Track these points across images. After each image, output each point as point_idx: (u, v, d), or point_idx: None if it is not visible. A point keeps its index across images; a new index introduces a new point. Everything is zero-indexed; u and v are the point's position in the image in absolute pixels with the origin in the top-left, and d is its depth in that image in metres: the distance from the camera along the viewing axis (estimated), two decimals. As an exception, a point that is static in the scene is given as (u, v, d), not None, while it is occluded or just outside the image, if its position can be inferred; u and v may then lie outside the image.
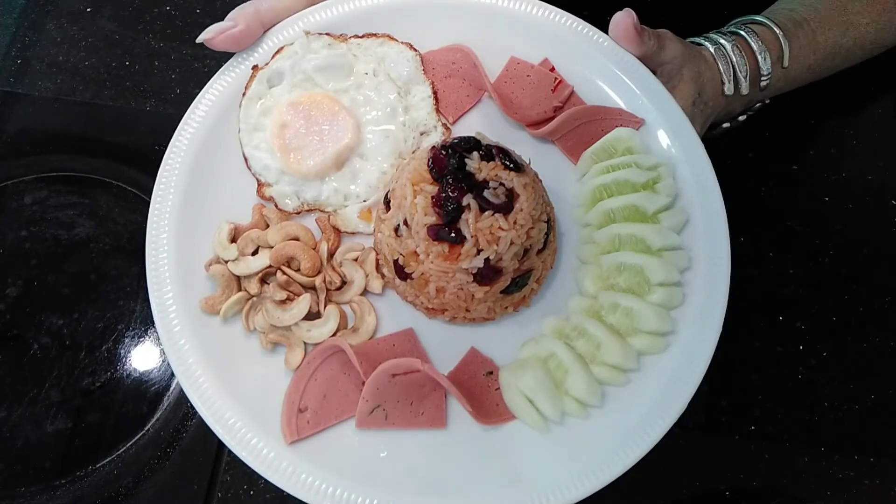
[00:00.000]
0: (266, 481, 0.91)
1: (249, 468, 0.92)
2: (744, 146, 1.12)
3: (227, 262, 0.80)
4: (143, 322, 1.01)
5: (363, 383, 0.74)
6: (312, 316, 0.79)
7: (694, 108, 0.93)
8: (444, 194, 0.73)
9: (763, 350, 1.00)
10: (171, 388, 0.97)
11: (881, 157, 1.14)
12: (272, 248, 0.80)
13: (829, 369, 0.99)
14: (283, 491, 0.91)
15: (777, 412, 0.96)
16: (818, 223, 1.08)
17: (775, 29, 1.00)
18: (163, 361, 0.99)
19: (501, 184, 0.74)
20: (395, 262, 0.78)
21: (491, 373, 0.78)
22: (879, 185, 1.11)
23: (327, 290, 0.80)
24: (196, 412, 0.95)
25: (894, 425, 0.96)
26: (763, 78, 0.98)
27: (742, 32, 1.00)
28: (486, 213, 0.72)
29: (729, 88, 0.97)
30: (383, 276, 0.81)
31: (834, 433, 0.95)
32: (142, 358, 0.99)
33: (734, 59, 0.97)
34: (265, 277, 0.80)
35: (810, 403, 0.97)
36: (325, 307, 0.79)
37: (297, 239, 0.81)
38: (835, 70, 1.07)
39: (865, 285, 1.04)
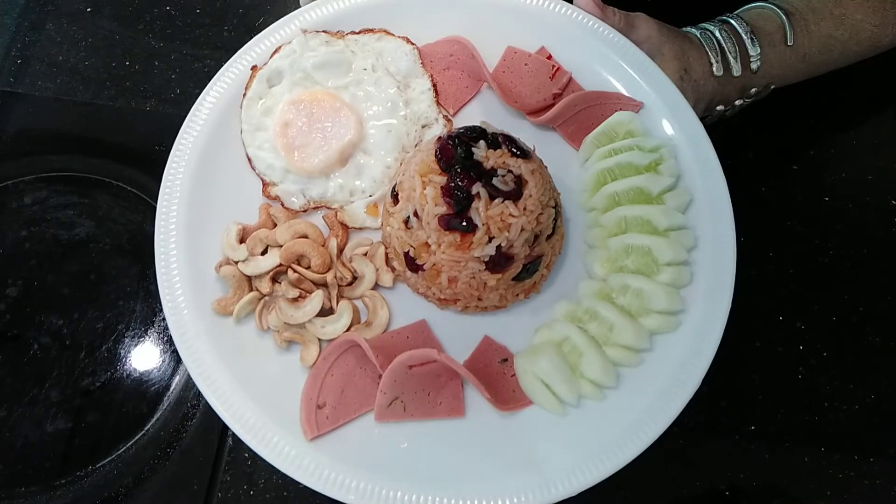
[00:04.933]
0: (266, 481, 0.92)
1: (249, 468, 0.92)
2: (744, 146, 1.12)
3: (237, 262, 0.80)
4: (143, 322, 1.01)
5: (379, 377, 0.74)
6: (325, 312, 0.79)
7: (683, 84, 0.95)
8: (453, 184, 0.73)
9: (763, 350, 1.00)
10: (171, 388, 0.97)
11: (881, 158, 1.14)
12: (281, 246, 0.80)
13: (829, 369, 0.99)
14: (282, 491, 0.91)
15: (777, 412, 0.96)
16: (818, 223, 1.08)
17: (773, 8, 1.01)
18: (163, 361, 0.99)
19: (509, 171, 0.75)
20: (406, 254, 0.78)
21: (506, 360, 0.78)
22: (879, 185, 1.11)
23: (339, 285, 0.80)
24: (196, 412, 0.95)
25: (894, 425, 0.96)
26: (752, 59, 0.99)
27: (728, 18, 1.02)
28: (496, 200, 0.73)
29: (718, 69, 0.98)
30: (393, 269, 0.82)
31: (834, 433, 0.95)
32: (142, 358, 0.99)
33: (722, 41, 0.99)
34: (276, 276, 0.81)
35: (810, 403, 0.97)
36: (337, 303, 0.79)
37: (305, 236, 0.81)
38: (833, 65, 1.07)
39: (865, 285, 1.04)
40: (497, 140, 0.76)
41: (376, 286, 0.81)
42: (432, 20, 0.93)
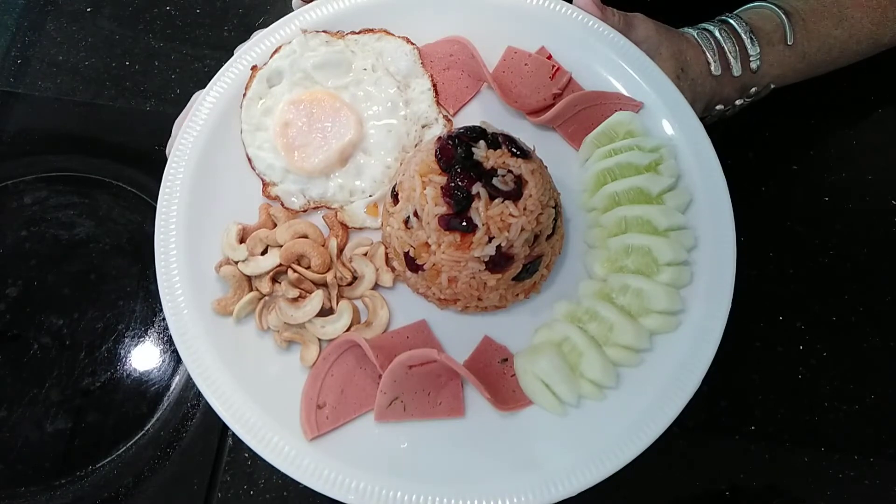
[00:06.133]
0: (266, 481, 0.92)
1: (249, 468, 0.92)
2: (744, 146, 1.12)
3: (237, 262, 0.80)
4: (143, 322, 1.01)
5: (379, 377, 0.74)
6: (325, 312, 0.79)
7: (680, 83, 0.95)
8: (453, 184, 0.73)
9: (763, 350, 1.00)
10: (171, 388, 0.97)
11: (881, 158, 1.14)
12: (281, 246, 0.80)
13: (829, 369, 0.99)
14: (283, 491, 0.91)
15: (777, 412, 0.96)
16: (818, 223, 1.08)
17: (773, 8, 1.02)
18: (163, 361, 0.99)
19: (509, 171, 0.75)
20: (406, 254, 0.78)
21: (506, 360, 0.78)
22: (879, 185, 1.11)
23: (339, 285, 0.80)
24: (196, 412, 0.95)
25: (894, 425, 0.96)
26: (752, 59, 0.99)
27: (727, 18, 1.02)
28: (496, 200, 0.73)
29: (716, 69, 0.98)
30: (393, 269, 0.82)
31: (834, 433, 0.95)
32: (142, 358, 0.99)
33: (721, 41, 0.99)
34: (276, 276, 0.80)
35: (810, 403, 0.97)
36: (337, 303, 0.79)
37: (305, 236, 0.81)
38: (832, 65, 1.07)
39: (865, 285, 1.04)
40: (497, 140, 0.76)
41: (376, 286, 0.81)
42: (432, 20, 0.93)
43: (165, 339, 1.00)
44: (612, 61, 0.91)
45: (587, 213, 0.86)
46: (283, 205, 0.85)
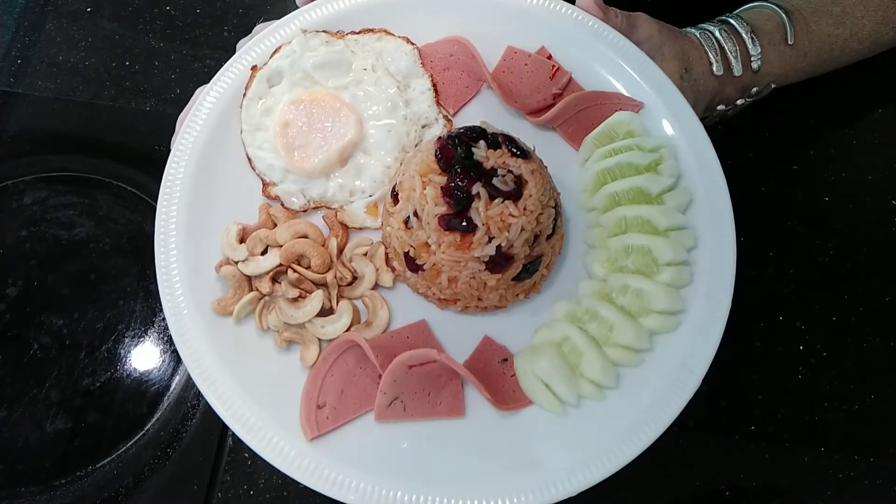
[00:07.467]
0: (266, 481, 0.92)
1: (249, 468, 0.92)
2: (744, 146, 1.12)
3: (237, 262, 0.80)
4: (143, 322, 1.01)
5: (379, 377, 0.74)
6: (325, 312, 0.79)
7: (683, 83, 0.95)
8: (453, 184, 0.73)
9: (763, 350, 1.00)
10: (171, 388, 0.97)
11: (881, 157, 1.14)
12: (281, 246, 0.80)
13: (829, 369, 0.99)
14: (283, 491, 0.91)
15: (777, 412, 0.96)
16: (818, 223, 1.08)
17: (773, 7, 1.02)
18: (163, 361, 0.99)
19: (509, 171, 0.75)
20: (406, 254, 0.78)
21: (506, 360, 0.78)
22: (879, 185, 1.11)
23: (339, 285, 0.80)
24: (196, 412, 0.95)
25: (894, 425, 0.96)
26: (753, 59, 0.99)
27: (728, 18, 1.02)
28: (496, 200, 0.73)
29: (718, 69, 0.98)
30: (393, 269, 0.82)
31: (834, 433, 0.95)
32: (142, 358, 0.99)
33: (722, 41, 0.99)
34: (276, 276, 0.81)
35: (810, 403, 0.97)
36: (337, 303, 0.79)
37: (305, 236, 0.81)
38: (834, 64, 1.07)
39: (865, 285, 1.04)
40: (497, 140, 0.76)
41: (376, 286, 0.81)
42: (432, 20, 0.93)
43: (165, 339, 1.00)
44: (611, 61, 0.91)
45: (587, 213, 0.86)
46: (283, 205, 0.85)
